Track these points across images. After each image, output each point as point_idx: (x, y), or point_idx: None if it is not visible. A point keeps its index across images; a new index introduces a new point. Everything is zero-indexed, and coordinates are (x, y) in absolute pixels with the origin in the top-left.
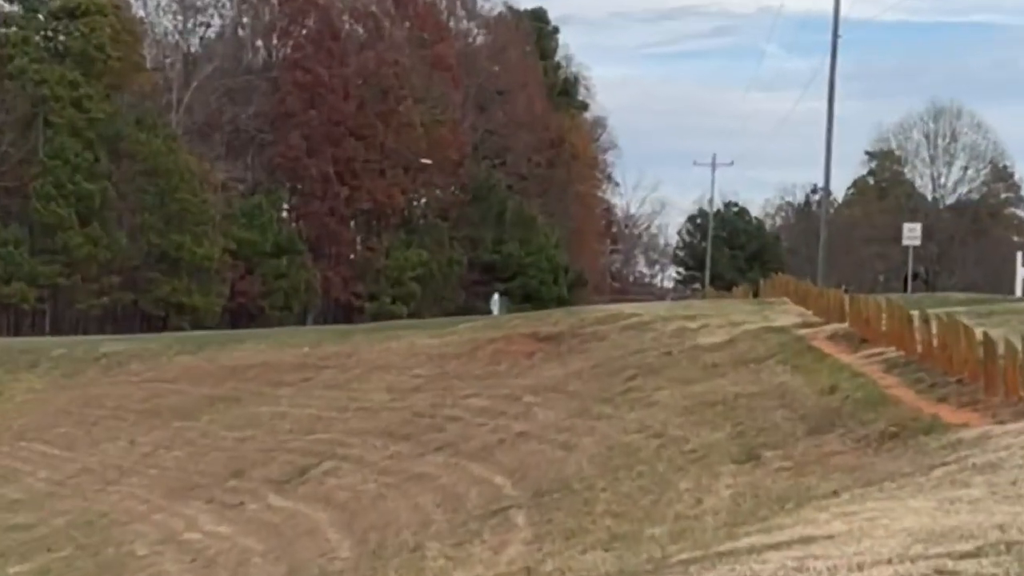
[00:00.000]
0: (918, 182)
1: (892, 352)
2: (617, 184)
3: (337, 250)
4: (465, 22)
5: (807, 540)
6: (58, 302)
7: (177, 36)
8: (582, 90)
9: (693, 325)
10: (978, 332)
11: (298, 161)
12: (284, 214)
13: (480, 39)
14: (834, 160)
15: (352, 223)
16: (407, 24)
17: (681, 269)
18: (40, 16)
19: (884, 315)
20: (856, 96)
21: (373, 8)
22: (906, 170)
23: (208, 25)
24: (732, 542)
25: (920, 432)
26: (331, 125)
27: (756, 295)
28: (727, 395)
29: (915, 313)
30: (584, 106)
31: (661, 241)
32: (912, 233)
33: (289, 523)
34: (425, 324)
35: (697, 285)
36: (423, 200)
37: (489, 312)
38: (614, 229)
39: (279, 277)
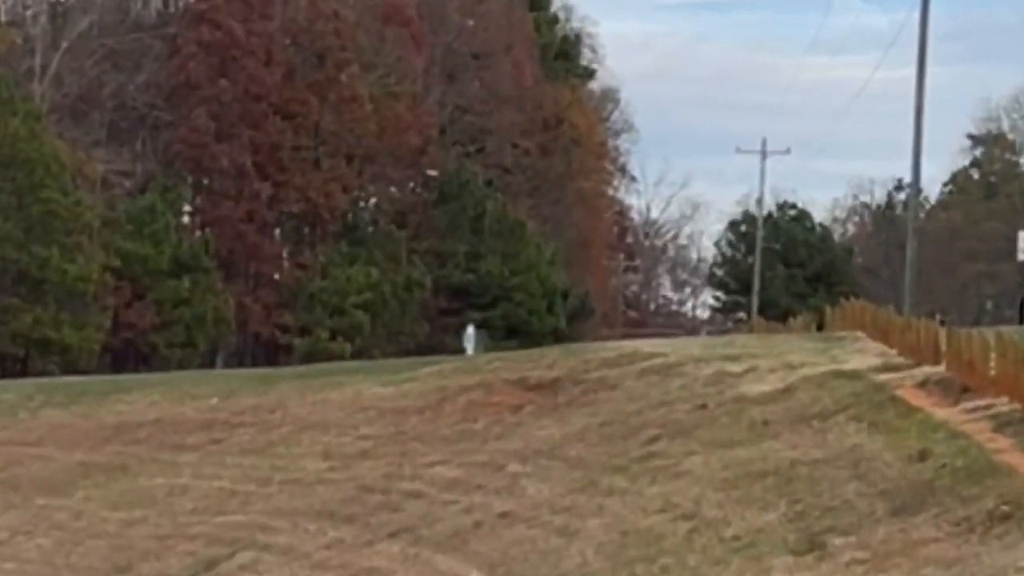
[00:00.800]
0: None
1: (1004, 404)
2: (634, 179)
3: (257, 268)
4: None
5: None
6: None
7: None
8: (587, 53)
9: (736, 369)
10: None
11: (204, 148)
12: (185, 219)
13: None
14: (926, 147)
15: (277, 231)
16: None
17: (720, 293)
18: None
19: (993, 355)
20: (956, 61)
21: None
22: (1022, 160)
23: None
24: None
25: None
26: (248, 100)
27: (821, 328)
28: (781, 463)
29: None
30: (589, 74)
31: (693, 255)
32: None
33: None
34: (375, 367)
35: (741, 315)
36: (372, 200)
37: (461, 351)
38: (630, 239)
39: (179, 304)
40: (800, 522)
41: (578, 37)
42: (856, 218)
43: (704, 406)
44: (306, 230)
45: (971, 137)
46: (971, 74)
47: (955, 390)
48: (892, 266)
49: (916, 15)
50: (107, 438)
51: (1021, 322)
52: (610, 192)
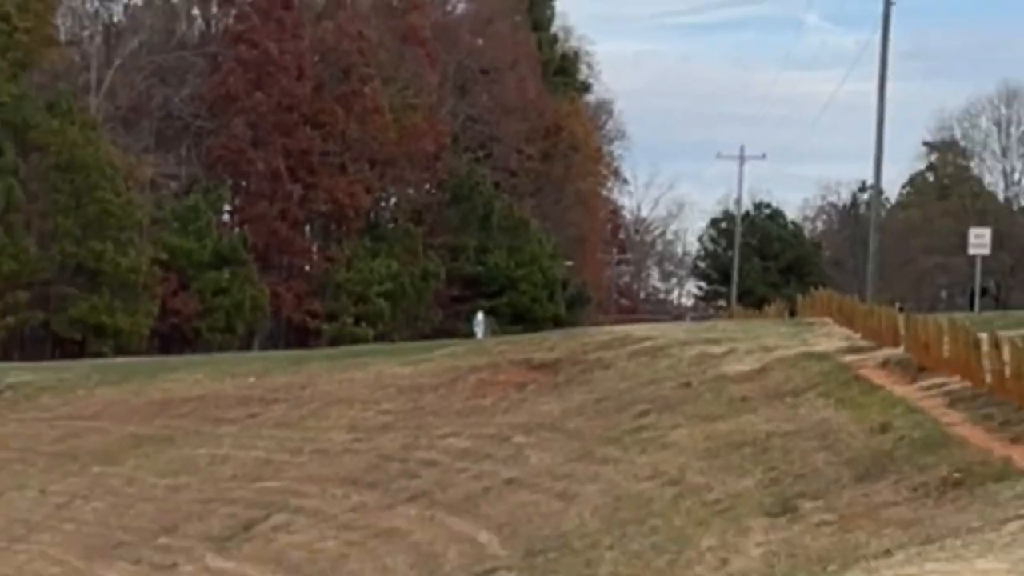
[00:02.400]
0: (987, 179)
1: (956, 383)
2: (626, 181)
3: (289, 260)
4: None
5: None
6: None
7: (97, 3)
8: (584, 68)
9: (717, 350)
10: None
11: (242, 154)
12: (225, 217)
13: (461, 7)
14: (887, 153)
15: (307, 228)
16: None
17: (702, 283)
18: None
19: (946, 338)
20: (913, 77)
21: None
22: (972, 164)
23: None
24: None
25: (990, 479)
26: (282, 111)
27: (793, 314)
28: (758, 434)
29: (984, 336)
30: (586, 88)
31: (679, 250)
32: (980, 240)
33: None
34: (395, 349)
35: (722, 302)
36: (392, 200)
37: (472, 335)
38: (622, 235)
39: (219, 293)
40: (774, 487)
41: (576, 55)
42: (824, 216)
43: (688, 384)
44: (333, 227)
45: (927, 144)
46: (927, 88)
47: (913, 370)
48: (856, 259)
49: (878, 36)
50: (155, 413)
51: (971, 309)
52: (604, 193)
